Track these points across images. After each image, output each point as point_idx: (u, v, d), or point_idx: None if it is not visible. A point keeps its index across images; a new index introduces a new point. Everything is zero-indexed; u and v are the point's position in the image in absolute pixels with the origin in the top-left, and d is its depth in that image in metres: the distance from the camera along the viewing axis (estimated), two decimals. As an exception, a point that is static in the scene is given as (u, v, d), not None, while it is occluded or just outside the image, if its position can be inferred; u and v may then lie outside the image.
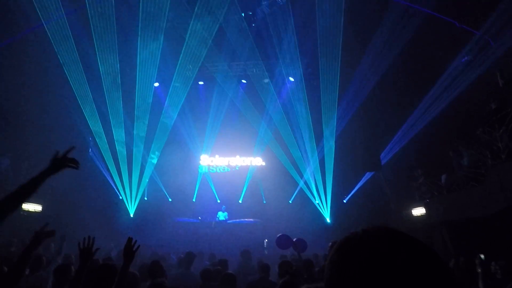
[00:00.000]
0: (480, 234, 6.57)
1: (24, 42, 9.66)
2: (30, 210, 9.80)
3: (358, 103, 11.45)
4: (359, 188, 12.00)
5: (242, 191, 13.32)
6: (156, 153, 12.82)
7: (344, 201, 12.45)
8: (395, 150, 10.86)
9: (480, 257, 3.47)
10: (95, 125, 11.44)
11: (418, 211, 9.21)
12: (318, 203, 12.46)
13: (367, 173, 11.56)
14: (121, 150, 12.06)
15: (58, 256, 4.30)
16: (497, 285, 3.43)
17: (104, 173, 12.13)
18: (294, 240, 5.51)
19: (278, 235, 5.84)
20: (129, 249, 2.20)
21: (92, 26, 9.82)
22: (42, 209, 10.19)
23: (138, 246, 2.30)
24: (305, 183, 12.69)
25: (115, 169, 12.09)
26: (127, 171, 12.29)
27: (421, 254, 0.53)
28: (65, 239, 4.57)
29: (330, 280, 0.56)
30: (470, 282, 3.67)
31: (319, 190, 12.38)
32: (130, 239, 2.18)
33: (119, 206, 12.34)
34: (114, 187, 12.33)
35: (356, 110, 11.62)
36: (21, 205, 1.60)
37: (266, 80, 12.61)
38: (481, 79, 8.21)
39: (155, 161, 12.88)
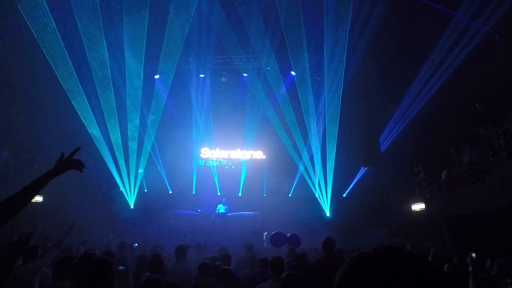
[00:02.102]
0: (480, 231, 6.58)
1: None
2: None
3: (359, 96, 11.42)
4: (359, 183, 12.01)
5: (240, 184, 13.36)
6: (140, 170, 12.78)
7: (344, 195, 12.48)
8: (394, 142, 10.92)
9: (471, 256, 3.47)
10: (90, 117, 11.39)
11: (418, 206, 9.22)
12: (318, 196, 12.49)
13: (362, 168, 11.58)
14: (117, 141, 12.01)
15: (55, 249, 4.15)
16: (490, 281, 3.44)
17: (104, 164, 12.13)
18: (288, 235, 5.54)
19: (271, 234, 5.88)
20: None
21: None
22: (43, 200, 10.22)
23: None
24: (305, 176, 12.71)
25: (112, 160, 12.09)
26: (123, 163, 12.29)
27: (437, 279, 0.51)
28: (73, 227, 4.36)
29: None
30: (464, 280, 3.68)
31: (320, 183, 12.39)
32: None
33: (119, 197, 12.38)
34: (114, 178, 12.35)
35: (358, 102, 11.59)
36: (24, 207, 1.56)
37: (268, 71, 12.51)
38: (482, 75, 8.12)
39: (141, 172, 12.82)
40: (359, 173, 11.80)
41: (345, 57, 10.52)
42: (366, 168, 11.55)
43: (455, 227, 7.70)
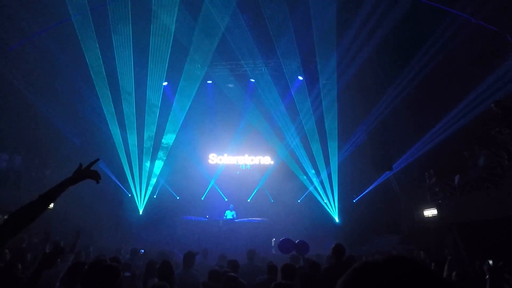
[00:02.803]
0: (494, 237, 6.39)
1: (40, 40, 9.84)
2: (42, 206, 9.98)
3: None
4: (368, 188, 11.85)
5: (254, 191, 13.30)
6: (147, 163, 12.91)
7: (354, 201, 12.31)
8: (408, 154, 10.71)
9: (488, 263, 3.35)
10: (111, 126, 11.64)
11: (430, 212, 9.02)
12: (326, 203, 12.36)
13: (382, 175, 11.38)
14: (133, 148, 12.22)
15: (71, 254, 4.26)
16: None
17: (118, 170, 12.30)
18: (296, 242, 5.47)
19: (279, 240, 5.81)
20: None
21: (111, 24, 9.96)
22: (53, 206, 10.36)
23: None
24: (314, 182, 12.61)
25: (128, 166, 12.25)
26: (137, 169, 12.44)
27: None
28: (79, 235, 4.51)
29: None
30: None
31: (326, 190, 12.27)
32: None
33: (129, 203, 12.48)
34: (126, 184, 12.50)
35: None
36: (40, 214, 1.58)
37: (276, 76, 12.53)
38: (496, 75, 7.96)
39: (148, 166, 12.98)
40: (377, 181, 11.58)
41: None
42: (385, 175, 11.34)
43: (468, 233, 7.50)
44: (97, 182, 1.84)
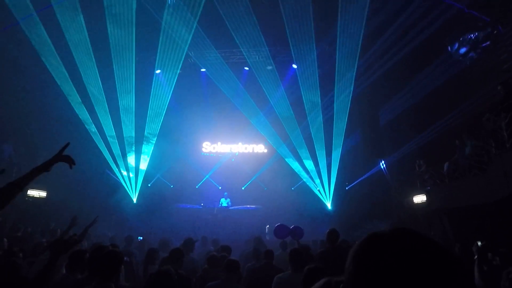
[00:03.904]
0: (481, 222, 6.64)
1: (26, 27, 9.53)
2: (35, 196, 9.91)
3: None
4: (360, 176, 12.06)
5: (249, 180, 13.38)
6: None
7: (346, 188, 12.54)
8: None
9: (477, 244, 3.51)
10: (93, 114, 11.46)
11: (419, 198, 9.28)
12: (319, 190, 12.56)
13: (377, 163, 11.58)
14: (112, 139, 12.11)
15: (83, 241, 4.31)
16: (494, 271, 3.50)
17: (107, 159, 12.20)
18: (291, 228, 5.61)
19: (275, 226, 5.95)
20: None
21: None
22: (46, 195, 10.30)
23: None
24: (308, 170, 12.76)
25: (110, 156, 12.18)
26: (121, 159, 12.38)
27: (447, 260, 0.54)
28: (76, 222, 4.53)
29: (355, 274, 0.57)
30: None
31: (322, 177, 12.43)
32: None
33: (123, 192, 12.47)
34: (116, 174, 12.45)
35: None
36: (9, 202, 1.54)
37: (270, 67, 12.44)
38: (488, 69, 8.09)
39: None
40: (372, 170, 11.76)
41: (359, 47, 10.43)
42: (380, 164, 11.54)
43: (456, 218, 7.77)
44: (70, 167, 1.79)
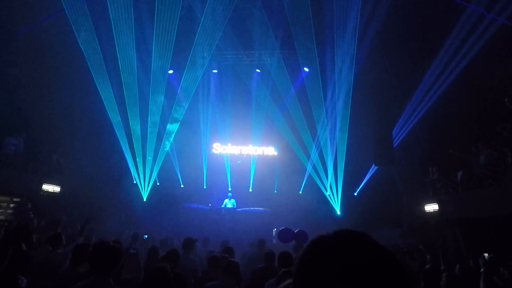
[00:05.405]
0: (495, 234, 6.40)
1: (45, 28, 9.91)
2: (49, 190, 10.21)
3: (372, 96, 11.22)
4: (370, 181, 11.85)
5: (250, 180, 13.42)
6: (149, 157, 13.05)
7: (355, 193, 12.35)
8: (406, 140, 10.67)
9: (484, 256, 3.40)
10: (112, 111, 11.74)
11: (431, 207, 9.05)
12: (329, 195, 12.42)
13: (374, 166, 11.38)
14: (136, 136, 12.34)
15: (80, 236, 4.43)
16: (502, 285, 3.36)
17: (121, 156, 12.48)
18: (295, 232, 5.57)
19: (279, 230, 5.93)
20: None
21: (110, 12, 9.97)
22: (60, 190, 10.60)
23: None
24: (316, 174, 12.64)
25: (130, 154, 12.41)
26: (141, 157, 12.59)
27: (386, 262, 0.57)
28: (90, 221, 4.64)
29: (300, 275, 0.60)
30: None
31: (331, 182, 12.31)
32: None
33: (134, 190, 12.69)
34: (130, 171, 12.70)
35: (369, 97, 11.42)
36: None
37: (281, 67, 12.45)
38: (498, 74, 7.80)
39: (149, 159, 13.11)
40: (369, 171, 11.63)
41: (355, 50, 10.35)
42: (376, 167, 11.35)
43: (469, 229, 7.51)
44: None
